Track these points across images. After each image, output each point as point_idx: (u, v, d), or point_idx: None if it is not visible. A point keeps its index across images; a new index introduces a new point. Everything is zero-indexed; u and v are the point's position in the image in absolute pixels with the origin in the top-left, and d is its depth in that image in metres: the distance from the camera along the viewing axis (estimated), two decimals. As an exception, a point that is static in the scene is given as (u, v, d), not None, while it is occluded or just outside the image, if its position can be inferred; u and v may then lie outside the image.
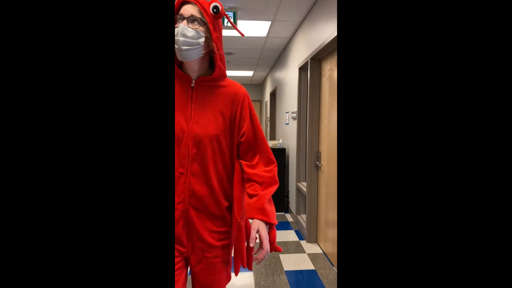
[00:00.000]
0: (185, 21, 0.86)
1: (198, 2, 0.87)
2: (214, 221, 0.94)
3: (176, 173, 0.90)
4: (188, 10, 0.87)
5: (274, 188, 0.95)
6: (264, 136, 0.98)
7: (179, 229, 0.92)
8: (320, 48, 2.34)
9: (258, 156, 0.96)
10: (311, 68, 2.60)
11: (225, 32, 3.26)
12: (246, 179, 0.95)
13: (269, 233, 0.90)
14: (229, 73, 5.62)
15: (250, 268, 0.98)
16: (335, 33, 1.94)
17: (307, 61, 2.71)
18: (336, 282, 2.00)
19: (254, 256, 0.91)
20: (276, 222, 0.93)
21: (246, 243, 0.95)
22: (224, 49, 3.49)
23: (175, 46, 0.86)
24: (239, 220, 0.92)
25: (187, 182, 0.91)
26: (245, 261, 0.94)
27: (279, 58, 4.53)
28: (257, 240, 1.34)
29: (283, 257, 2.44)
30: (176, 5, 0.87)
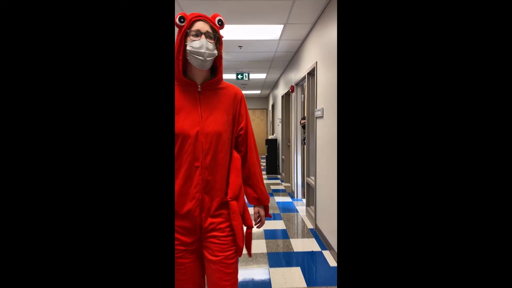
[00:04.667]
0: (203, 36, 1.03)
1: (209, 19, 1.06)
2: (220, 205, 1.12)
3: (192, 167, 1.06)
4: (203, 26, 1.04)
5: (261, 170, 1.23)
6: (253, 133, 1.21)
7: (196, 215, 1.08)
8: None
9: (250, 146, 1.19)
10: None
11: (238, 36, 3.55)
12: (246, 169, 1.19)
13: (264, 210, 1.24)
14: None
15: (249, 255, 1.23)
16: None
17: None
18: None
19: (255, 226, 1.22)
20: (268, 202, 1.25)
21: (243, 226, 1.15)
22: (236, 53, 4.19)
23: (199, 57, 1.03)
24: (229, 199, 1.11)
25: (202, 174, 1.07)
26: (242, 240, 1.13)
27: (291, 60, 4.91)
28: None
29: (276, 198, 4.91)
30: (187, 22, 1.04)
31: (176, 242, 1.07)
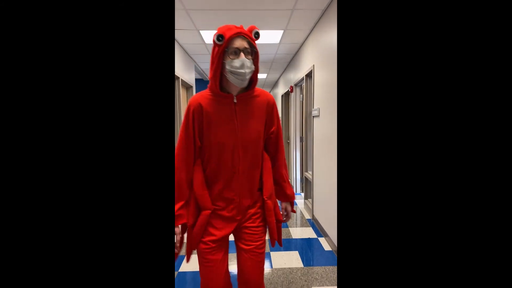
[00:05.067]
0: (242, 54, 1.04)
1: (246, 34, 1.05)
2: (249, 207, 1.22)
3: (231, 173, 1.14)
4: (241, 43, 1.04)
5: (287, 170, 1.32)
6: (282, 135, 1.29)
7: (233, 215, 1.18)
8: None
9: (279, 149, 1.27)
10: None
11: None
12: (275, 169, 1.27)
13: (290, 205, 1.32)
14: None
15: (280, 245, 1.31)
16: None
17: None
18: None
19: (284, 219, 1.32)
20: (294, 199, 1.32)
21: (275, 219, 1.25)
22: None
23: (239, 77, 1.05)
24: (266, 199, 1.20)
25: (240, 179, 1.15)
26: (276, 233, 1.25)
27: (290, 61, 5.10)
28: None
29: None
30: (226, 41, 1.03)
31: (209, 238, 1.16)
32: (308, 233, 3.16)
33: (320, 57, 3.09)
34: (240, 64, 1.04)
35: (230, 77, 1.07)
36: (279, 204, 1.34)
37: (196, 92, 6.23)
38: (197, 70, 5.64)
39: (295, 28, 3.40)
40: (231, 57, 1.05)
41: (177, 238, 1.15)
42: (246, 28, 1.10)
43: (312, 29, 3.42)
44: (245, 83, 1.09)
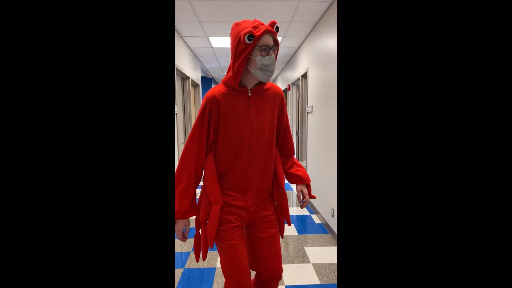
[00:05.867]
0: (271, 52, 1.05)
1: (272, 31, 1.04)
2: (265, 199, 1.25)
3: (246, 166, 1.15)
4: (269, 40, 1.04)
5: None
6: (289, 125, 1.31)
7: (249, 206, 1.20)
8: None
9: (287, 139, 1.29)
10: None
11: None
12: (285, 156, 1.30)
13: (307, 188, 1.29)
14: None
15: (289, 224, 1.32)
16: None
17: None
18: None
19: (301, 204, 1.29)
20: (310, 180, 1.30)
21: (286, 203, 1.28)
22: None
23: (268, 73, 1.06)
24: (283, 187, 1.24)
25: (255, 172, 1.17)
26: (289, 219, 1.26)
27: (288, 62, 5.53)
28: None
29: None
30: (256, 39, 1.02)
31: (226, 225, 1.17)
32: (303, 212, 3.71)
33: (314, 60, 3.61)
34: (271, 61, 1.05)
35: (258, 73, 1.07)
36: (294, 188, 1.57)
37: (202, 89, 6.71)
38: (202, 69, 6.14)
39: (292, 36, 3.92)
40: (262, 54, 1.05)
41: (186, 229, 1.18)
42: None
43: (306, 37, 3.93)
44: (270, 79, 1.11)
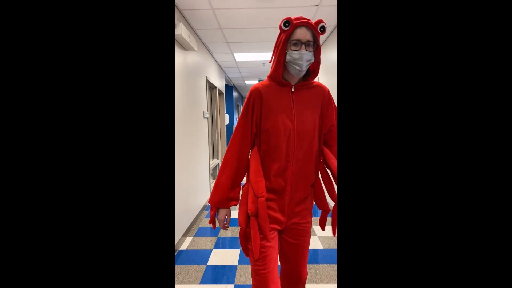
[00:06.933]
0: (303, 46, 1.04)
1: (312, 26, 1.03)
2: (300, 200, 1.19)
3: (285, 162, 1.12)
4: (304, 35, 1.03)
5: None
6: None
7: (285, 205, 1.15)
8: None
9: (335, 143, 1.20)
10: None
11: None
12: (332, 163, 1.16)
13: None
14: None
15: (322, 228, 1.27)
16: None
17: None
18: None
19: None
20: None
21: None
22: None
23: (297, 67, 1.06)
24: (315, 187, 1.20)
25: (294, 169, 1.13)
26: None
27: None
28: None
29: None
30: (291, 27, 1.03)
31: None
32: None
33: (322, 71, 4.26)
34: (299, 56, 1.05)
35: (289, 66, 1.09)
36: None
37: (226, 96, 7.46)
38: (225, 78, 6.91)
39: (304, 50, 4.58)
40: (292, 48, 1.06)
41: (228, 219, 1.20)
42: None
43: (317, 51, 4.58)
44: (302, 74, 1.10)
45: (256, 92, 1.15)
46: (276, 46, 1.11)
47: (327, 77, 3.94)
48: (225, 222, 1.20)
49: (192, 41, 2.86)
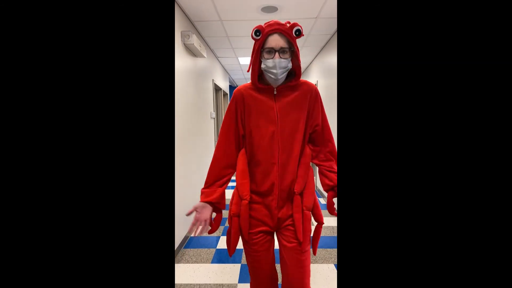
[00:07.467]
0: (277, 54, 1.00)
1: (285, 31, 0.99)
2: (288, 200, 1.14)
3: (269, 164, 1.10)
4: (277, 42, 1.00)
5: (336, 162, 1.19)
6: (329, 127, 1.17)
7: (273, 207, 1.12)
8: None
9: (324, 143, 1.18)
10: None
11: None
12: (320, 161, 1.16)
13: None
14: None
15: (314, 253, 1.24)
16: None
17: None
18: None
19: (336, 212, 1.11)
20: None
21: (315, 221, 1.18)
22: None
23: (272, 76, 1.03)
24: (296, 193, 1.10)
25: (279, 170, 1.10)
26: (301, 233, 1.11)
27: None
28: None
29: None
30: (262, 36, 0.99)
31: (254, 230, 1.14)
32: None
33: (322, 75, 4.55)
34: (273, 64, 1.02)
35: (265, 74, 1.07)
36: (320, 203, 1.42)
37: (230, 97, 7.79)
38: (229, 80, 7.22)
39: (305, 54, 4.90)
40: (266, 56, 1.03)
41: (215, 217, 1.17)
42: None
43: (316, 55, 4.89)
44: (279, 82, 1.07)
45: (237, 94, 1.15)
46: (251, 54, 1.09)
47: (327, 79, 4.24)
48: (211, 220, 1.16)
49: (202, 49, 3.17)
